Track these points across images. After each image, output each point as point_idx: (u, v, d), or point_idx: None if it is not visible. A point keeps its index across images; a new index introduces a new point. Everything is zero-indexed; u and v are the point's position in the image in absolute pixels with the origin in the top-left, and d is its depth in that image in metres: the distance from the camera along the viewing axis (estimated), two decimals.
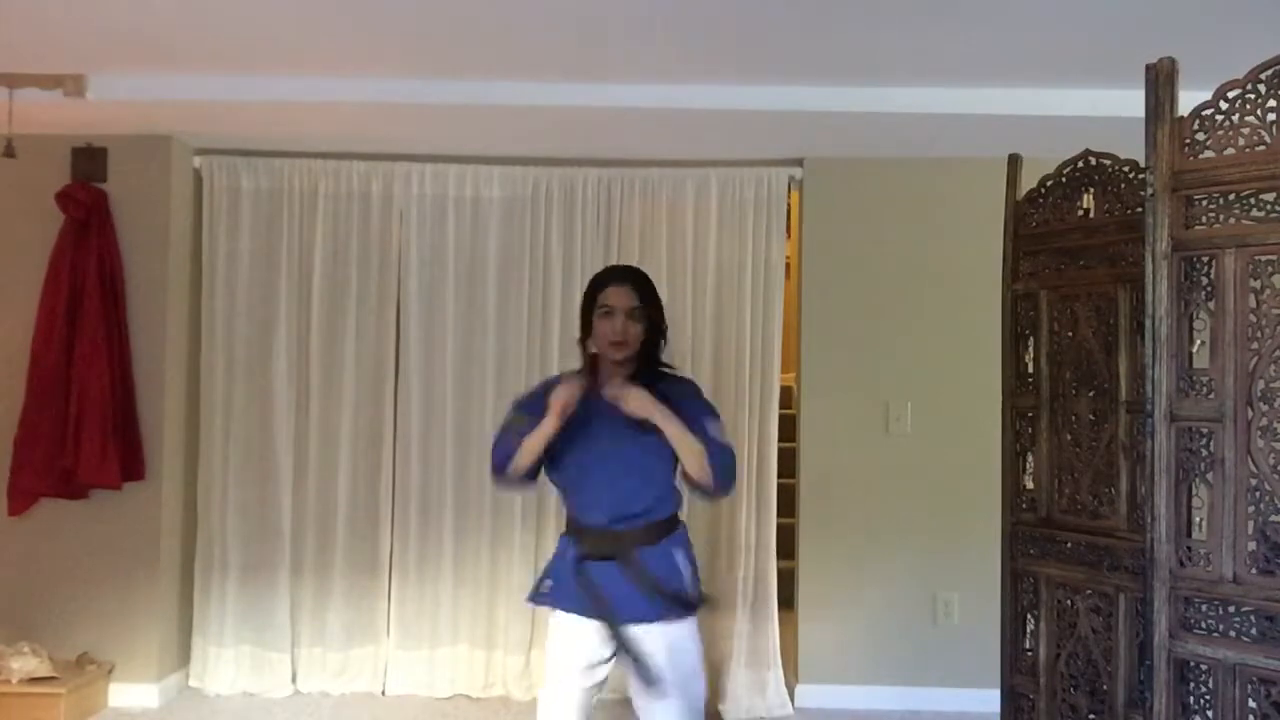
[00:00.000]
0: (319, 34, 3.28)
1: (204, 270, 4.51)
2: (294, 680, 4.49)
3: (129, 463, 4.18)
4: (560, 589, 2.69)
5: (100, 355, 4.11)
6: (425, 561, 4.51)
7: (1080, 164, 2.97)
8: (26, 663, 3.96)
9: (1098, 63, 3.39)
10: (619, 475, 2.66)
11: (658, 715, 2.63)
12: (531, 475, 2.73)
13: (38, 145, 4.15)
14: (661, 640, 2.60)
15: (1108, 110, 3.57)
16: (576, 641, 2.68)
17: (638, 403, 2.56)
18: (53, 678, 3.97)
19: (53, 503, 4.20)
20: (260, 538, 4.48)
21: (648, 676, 2.58)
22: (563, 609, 2.70)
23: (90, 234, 4.18)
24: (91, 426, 4.06)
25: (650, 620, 2.60)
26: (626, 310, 2.67)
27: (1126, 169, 2.83)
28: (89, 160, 4.28)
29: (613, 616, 2.61)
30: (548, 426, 2.59)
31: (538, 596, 2.76)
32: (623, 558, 2.62)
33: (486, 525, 4.49)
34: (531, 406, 2.71)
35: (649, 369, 2.73)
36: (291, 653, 4.50)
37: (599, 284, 2.74)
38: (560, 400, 2.58)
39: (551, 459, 2.71)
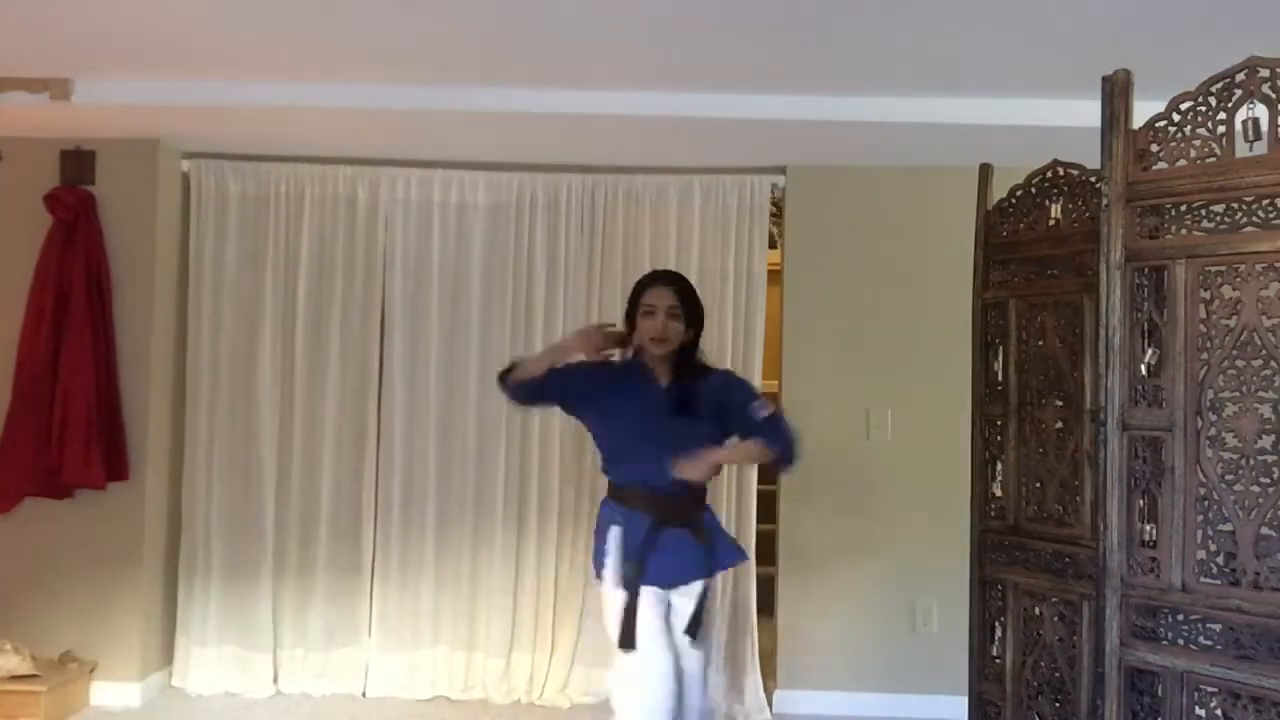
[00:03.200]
0: (306, 40, 3.32)
1: (190, 273, 4.54)
2: (275, 681, 4.51)
3: (113, 463, 4.20)
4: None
5: (86, 357, 4.14)
6: (407, 564, 4.52)
7: (1049, 174, 3.00)
8: (8, 661, 3.97)
9: (1071, 74, 3.40)
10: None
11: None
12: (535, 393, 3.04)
13: (26, 148, 4.20)
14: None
15: (1083, 121, 3.56)
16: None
17: (694, 469, 2.86)
18: (34, 676, 3.99)
19: (37, 502, 4.22)
20: (244, 538, 4.50)
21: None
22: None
23: (78, 236, 4.21)
24: (76, 427, 4.09)
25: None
26: (667, 309, 2.96)
27: (1092, 179, 2.85)
28: (77, 163, 4.31)
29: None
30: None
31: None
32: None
33: (468, 528, 4.51)
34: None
35: (688, 364, 3.03)
36: (273, 653, 4.52)
37: (643, 286, 3.05)
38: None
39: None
